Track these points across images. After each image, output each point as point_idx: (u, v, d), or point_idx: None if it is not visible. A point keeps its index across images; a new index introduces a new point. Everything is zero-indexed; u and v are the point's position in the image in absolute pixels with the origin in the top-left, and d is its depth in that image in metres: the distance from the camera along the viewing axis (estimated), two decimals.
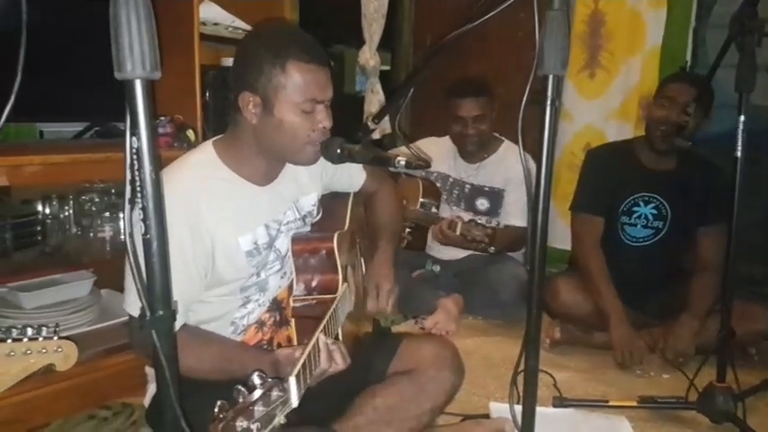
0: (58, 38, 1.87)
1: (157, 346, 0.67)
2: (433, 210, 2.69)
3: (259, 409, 0.79)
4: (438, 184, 2.81)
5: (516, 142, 1.03)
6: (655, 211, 2.33)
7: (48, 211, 2.03)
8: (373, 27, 3.45)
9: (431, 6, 3.71)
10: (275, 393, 0.82)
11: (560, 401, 1.87)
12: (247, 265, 1.33)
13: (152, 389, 1.40)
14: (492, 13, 0.98)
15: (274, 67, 1.24)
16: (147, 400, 1.41)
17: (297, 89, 1.25)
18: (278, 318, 1.44)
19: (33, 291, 1.89)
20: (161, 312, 0.67)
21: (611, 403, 1.86)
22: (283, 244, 1.41)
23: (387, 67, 3.82)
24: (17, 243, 1.88)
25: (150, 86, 0.63)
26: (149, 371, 1.41)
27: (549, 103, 0.95)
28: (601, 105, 3.09)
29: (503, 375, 2.11)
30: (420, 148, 1.90)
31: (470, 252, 2.67)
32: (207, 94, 2.17)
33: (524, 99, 0.99)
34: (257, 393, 0.80)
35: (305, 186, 1.47)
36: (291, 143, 1.29)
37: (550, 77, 0.95)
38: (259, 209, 1.36)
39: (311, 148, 1.32)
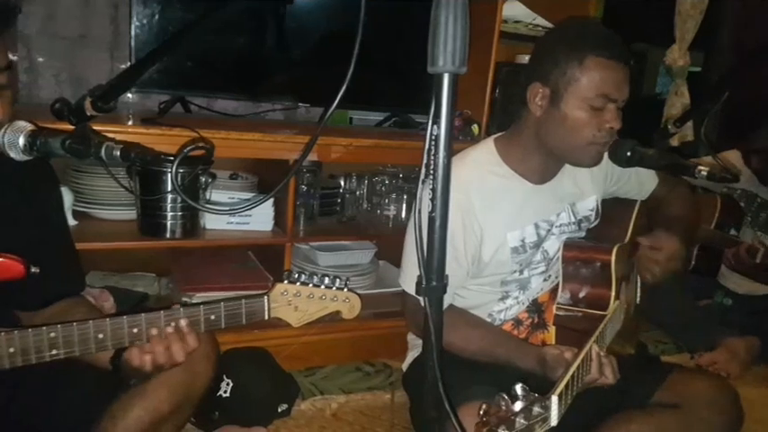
0: (375, 37, 2.12)
1: (428, 311, 0.73)
2: (732, 232, 2.35)
3: (520, 422, 0.79)
4: (741, 204, 2.44)
5: None
6: None
7: (347, 186, 2.31)
8: (687, 24, 3.15)
9: (759, 4, 3.21)
10: (536, 409, 0.82)
11: None
12: (511, 260, 1.34)
13: (411, 356, 1.50)
14: None
15: (571, 60, 1.20)
16: (405, 365, 1.52)
17: (590, 84, 1.19)
18: (536, 320, 1.42)
19: (328, 252, 2.19)
20: (434, 283, 0.74)
21: None
22: (552, 246, 1.39)
23: (696, 69, 3.46)
24: (321, 210, 2.18)
25: (456, 81, 0.68)
26: (411, 338, 1.52)
27: None
28: None
29: None
30: (727, 159, 1.67)
31: None
32: (497, 91, 2.23)
33: None
34: (519, 405, 0.80)
35: (585, 189, 1.41)
36: (573, 140, 1.24)
37: None
38: (531, 207, 1.35)
39: (594, 149, 1.25)
